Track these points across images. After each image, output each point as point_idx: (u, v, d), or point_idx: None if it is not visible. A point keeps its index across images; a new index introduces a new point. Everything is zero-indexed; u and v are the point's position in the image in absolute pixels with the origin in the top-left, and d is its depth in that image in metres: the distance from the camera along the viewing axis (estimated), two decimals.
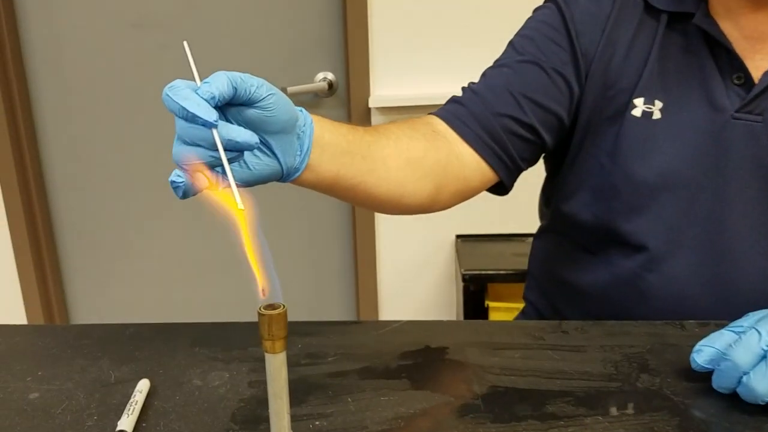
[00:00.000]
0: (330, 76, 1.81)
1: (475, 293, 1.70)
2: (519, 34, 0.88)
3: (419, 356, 0.70)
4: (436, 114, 0.83)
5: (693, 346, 0.63)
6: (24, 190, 1.91)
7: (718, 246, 0.83)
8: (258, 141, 0.54)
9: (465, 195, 0.82)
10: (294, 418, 0.59)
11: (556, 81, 0.83)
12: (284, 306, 0.45)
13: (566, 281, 0.93)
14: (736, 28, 0.79)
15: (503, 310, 1.70)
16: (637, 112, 0.83)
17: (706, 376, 0.63)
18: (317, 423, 0.59)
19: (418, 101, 1.71)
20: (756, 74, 0.79)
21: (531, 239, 1.02)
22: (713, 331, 0.63)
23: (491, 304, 1.70)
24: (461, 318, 1.77)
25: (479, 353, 0.71)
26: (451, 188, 0.79)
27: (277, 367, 0.45)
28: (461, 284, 1.70)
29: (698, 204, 0.83)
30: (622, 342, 0.73)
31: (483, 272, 1.68)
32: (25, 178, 1.91)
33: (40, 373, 0.69)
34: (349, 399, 0.63)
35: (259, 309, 0.44)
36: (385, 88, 1.77)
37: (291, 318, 0.47)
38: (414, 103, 1.72)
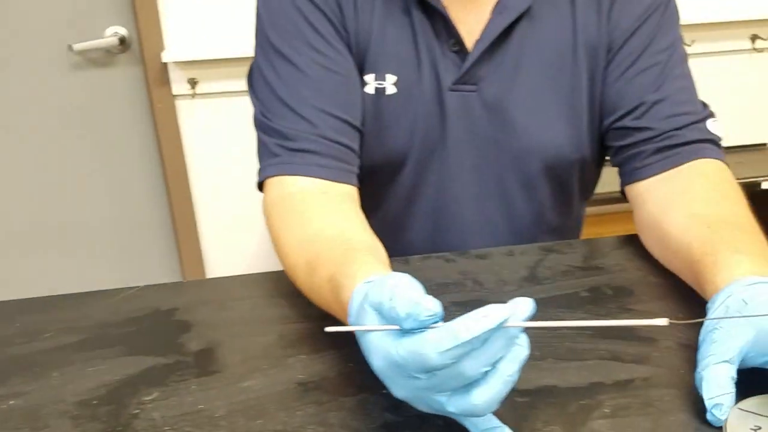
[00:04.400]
0: (122, 30, 1.71)
1: None
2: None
3: (145, 321, 0.70)
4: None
5: None
6: None
7: (445, 216, 0.87)
8: None
9: None
10: None
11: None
12: None
13: None
14: None
15: None
16: (370, 90, 0.81)
17: None
18: (12, 402, 0.58)
19: (220, 53, 1.66)
20: (469, 40, 0.80)
21: None
22: None
23: None
24: None
25: (208, 311, 0.71)
26: None
27: None
28: None
29: (427, 177, 0.86)
30: None
31: None
32: None
33: None
34: (55, 374, 0.62)
35: None
36: (181, 42, 1.70)
37: None
38: (216, 56, 1.67)
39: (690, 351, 0.61)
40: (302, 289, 0.67)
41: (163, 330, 0.68)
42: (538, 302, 0.69)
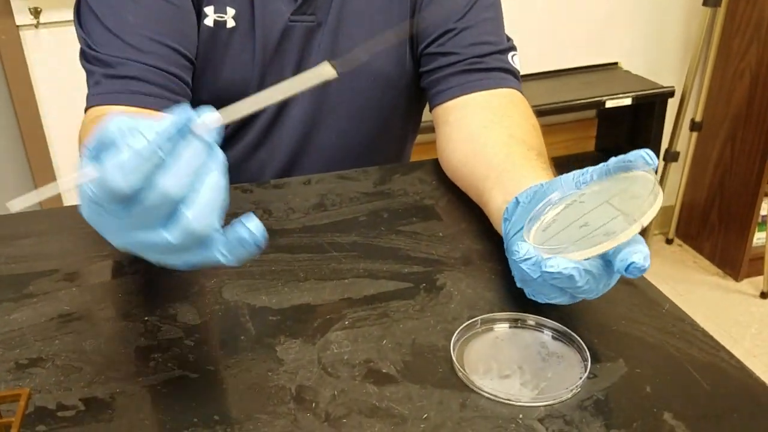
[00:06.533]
0: None
1: None
2: None
3: None
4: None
5: None
6: None
7: (278, 144, 0.90)
8: None
9: None
10: None
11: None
12: None
13: None
14: None
15: None
16: (209, 22, 0.83)
17: None
18: None
19: None
20: None
21: None
22: None
23: None
24: None
25: None
26: None
27: None
28: None
29: (265, 108, 0.88)
30: None
31: None
32: None
33: None
34: None
35: None
36: None
37: None
38: None
39: (435, 265, 0.68)
40: None
41: None
42: (318, 228, 0.76)
